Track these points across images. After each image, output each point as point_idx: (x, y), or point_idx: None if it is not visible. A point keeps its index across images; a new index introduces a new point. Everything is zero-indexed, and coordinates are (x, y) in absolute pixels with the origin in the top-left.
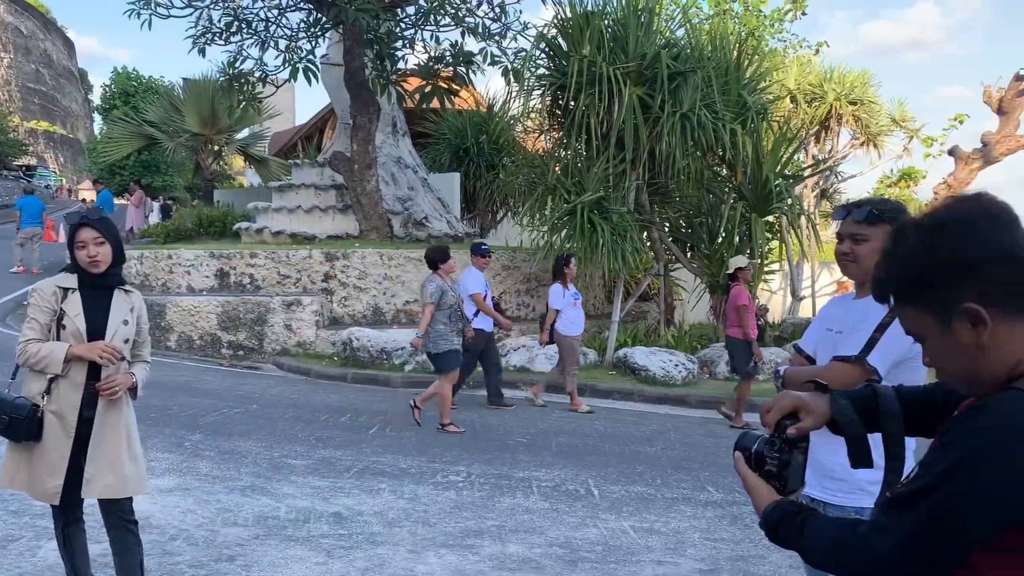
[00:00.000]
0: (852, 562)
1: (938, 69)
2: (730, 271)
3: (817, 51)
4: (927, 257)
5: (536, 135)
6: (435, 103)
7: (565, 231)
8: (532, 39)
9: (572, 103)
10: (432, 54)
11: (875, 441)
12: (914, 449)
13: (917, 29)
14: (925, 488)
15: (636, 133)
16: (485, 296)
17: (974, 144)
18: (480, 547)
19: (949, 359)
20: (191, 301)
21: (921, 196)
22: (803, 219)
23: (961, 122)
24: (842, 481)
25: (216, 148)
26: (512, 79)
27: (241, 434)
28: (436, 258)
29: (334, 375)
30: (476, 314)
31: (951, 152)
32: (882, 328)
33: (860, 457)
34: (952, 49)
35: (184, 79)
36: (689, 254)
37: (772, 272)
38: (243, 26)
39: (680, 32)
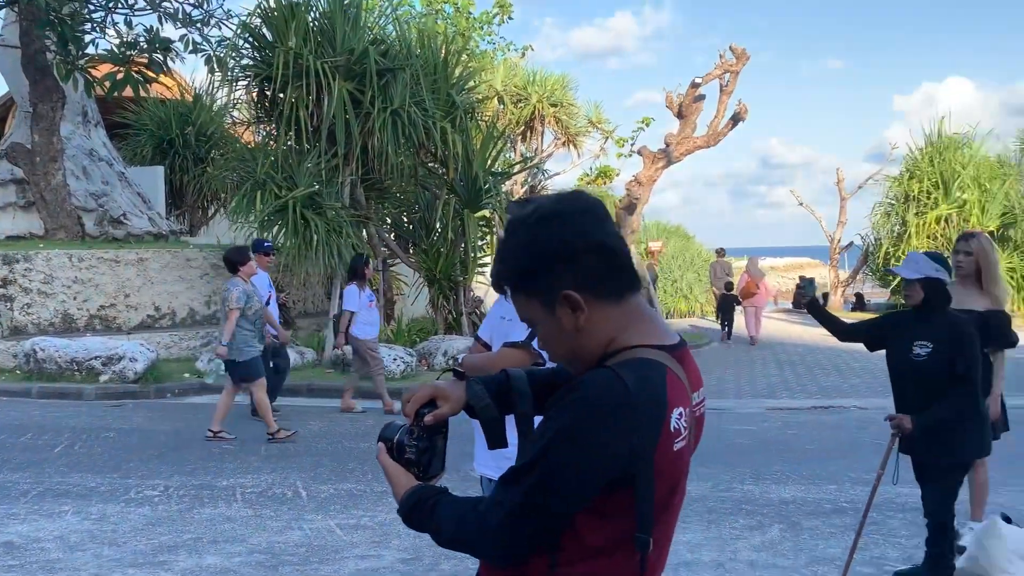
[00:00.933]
0: (473, 538)
1: (635, 74)
2: None
3: (523, 54)
4: (532, 249)
5: (245, 127)
6: (128, 91)
7: (277, 227)
8: (236, 27)
9: (280, 95)
10: (125, 39)
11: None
12: None
13: (617, 37)
14: (528, 463)
15: (348, 128)
16: (269, 298)
17: (660, 145)
18: (174, 563)
19: (555, 341)
20: None
21: (616, 192)
22: None
23: (648, 124)
24: (513, 460)
25: None
26: (216, 68)
27: None
28: (236, 260)
29: (15, 391)
30: None
31: (639, 152)
32: None
33: (495, 438)
34: (647, 57)
35: None
36: (412, 249)
37: (485, 265)
38: None
39: (390, 29)
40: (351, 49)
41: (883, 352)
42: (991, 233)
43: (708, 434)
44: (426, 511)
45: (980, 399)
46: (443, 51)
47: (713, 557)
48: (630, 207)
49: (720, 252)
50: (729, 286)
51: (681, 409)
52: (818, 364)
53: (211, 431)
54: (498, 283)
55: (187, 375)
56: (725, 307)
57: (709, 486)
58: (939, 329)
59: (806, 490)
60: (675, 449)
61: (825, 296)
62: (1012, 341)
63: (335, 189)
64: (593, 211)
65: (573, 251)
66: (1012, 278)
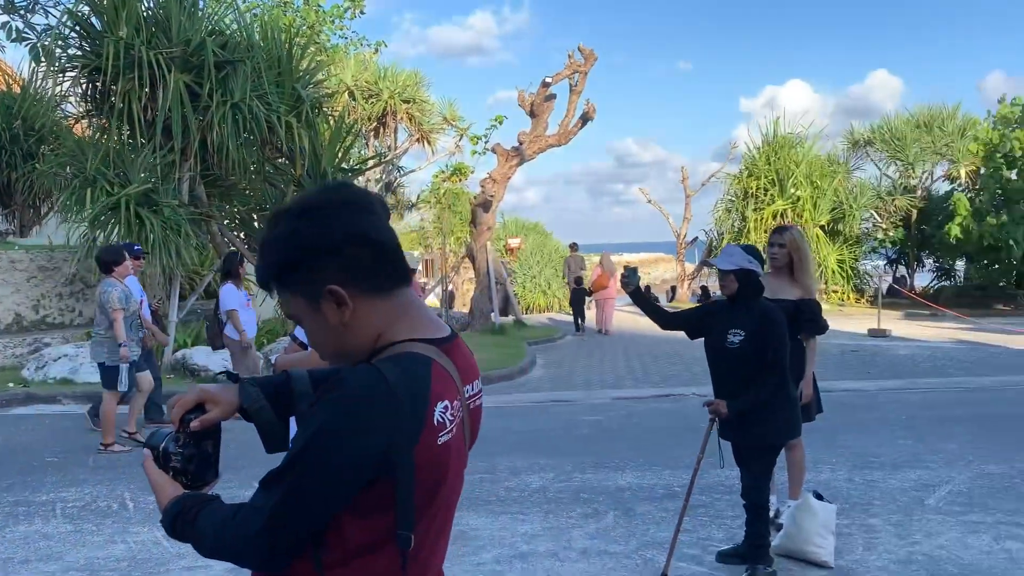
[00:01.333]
0: (235, 546)
1: (496, 73)
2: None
3: (376, 50)
4: (292, 241)
5: (76, 121)
6: None
7: (110, 226)
8: (61, 15)
9: (113, 87)
10: None
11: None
12: None
13: (477, 35)
14: (286, 465)
15: (185, 122)
16: (141, 302)
17: (514, 143)
18: None
19: (322, 338)
20: None
21: (472, 189)
22: None
23: (500, 123)
24: None
25: None
26: (41, 58)
27: None
28: (109, 260)
29: None
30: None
31: (493, 150)
32: None
33: (272, 441)
34: (507, 56)
35: None
36: None
37: None
38: None
39: (230, 19)
40: (187, 40)
41: None
42: (822, 227)
43: (555, 425)
44: (188, 521)
45: (790, 384)
46: (287, 44)
47: (548, 547)
48: (485, 204)
49: (573, 247)
50: (579, 280)
51: (447, 402)
52: (663, 354)
53: (124, 431)
54: (262, 278)
55: (11, 385)
56: (576, 301)
57: (551, 477)
58: (751, 318)
59: (642, 476)
60: (440, 443)
61: (673, 289)
62: (822, 328)
63: (172, 186)
64: (358, 202)
65: (336, 243)
66: (842, 269)
